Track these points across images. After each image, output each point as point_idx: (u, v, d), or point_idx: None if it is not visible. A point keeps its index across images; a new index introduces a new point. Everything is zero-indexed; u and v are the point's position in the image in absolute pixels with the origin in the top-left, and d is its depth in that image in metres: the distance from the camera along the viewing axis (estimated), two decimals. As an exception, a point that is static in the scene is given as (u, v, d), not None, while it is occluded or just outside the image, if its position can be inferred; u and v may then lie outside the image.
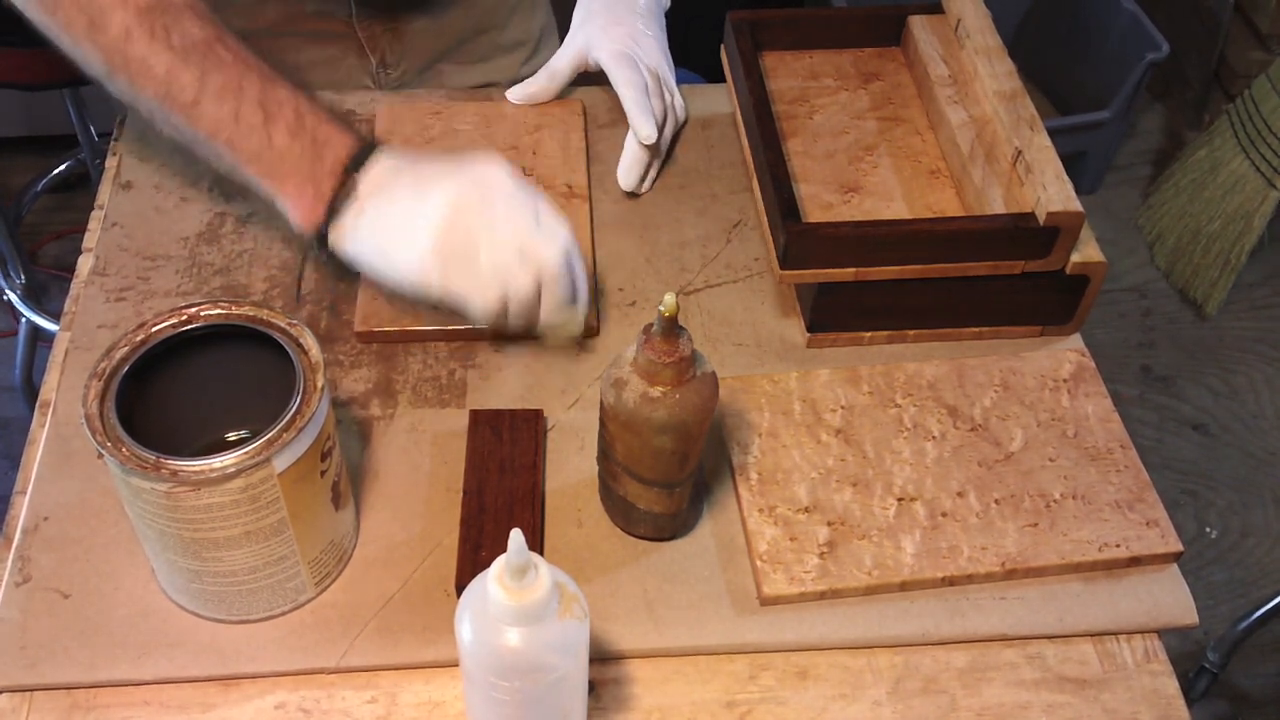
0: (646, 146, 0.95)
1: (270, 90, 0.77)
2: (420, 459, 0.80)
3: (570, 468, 0.80)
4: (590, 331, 0.87)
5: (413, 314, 0.86)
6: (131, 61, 0.76)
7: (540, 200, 0.79)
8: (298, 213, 0.78)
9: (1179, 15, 2.38)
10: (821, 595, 0.73)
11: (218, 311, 0.69)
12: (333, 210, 0.77)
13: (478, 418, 0.80)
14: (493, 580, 0.56)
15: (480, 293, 0.77)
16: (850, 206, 0.90)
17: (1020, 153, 0.84)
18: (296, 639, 0.71)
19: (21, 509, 0.76)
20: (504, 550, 0.55)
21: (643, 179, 0.96)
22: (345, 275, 0.84)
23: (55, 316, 1.77)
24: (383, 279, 0.79)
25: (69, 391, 0.82)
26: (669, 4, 1.06)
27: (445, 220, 0.76)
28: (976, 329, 0.88)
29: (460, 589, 0.71)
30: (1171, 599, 0.75)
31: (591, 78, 1.01)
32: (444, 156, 0.80)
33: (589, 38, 1.00)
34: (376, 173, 0.78)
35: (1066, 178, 0.82)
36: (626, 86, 0.95)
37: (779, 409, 0.81)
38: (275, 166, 0.77)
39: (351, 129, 0.79)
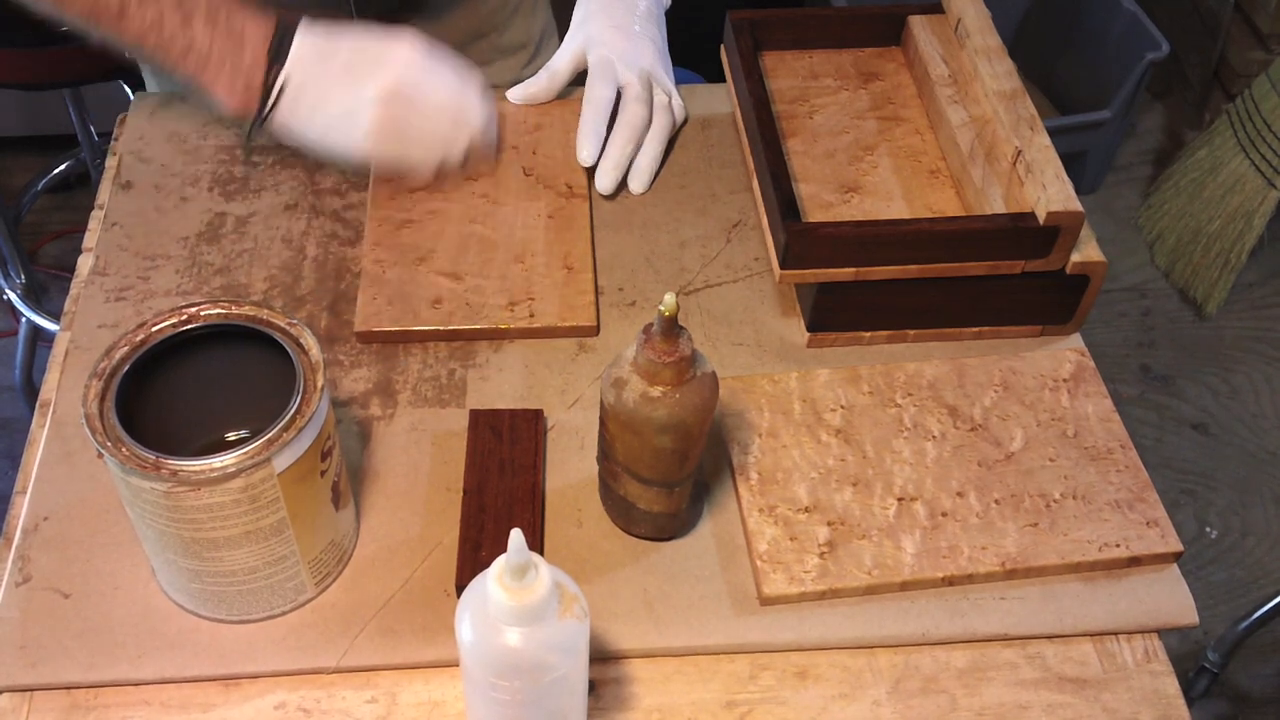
0: (625, 151, 0.96)
1: None
2: (420, 459, 0.80)
3: (570, 468, 0.80)
4: (590, 331, 0.87)
5: (413, 314, 0.86)
6: None
7: (455, 64, 0.87)
8: (233, 105, 0.84)
9: (1179, 15, 2.38)
10: (821, 595, 0.73)
11: (218, 311, 0.69)
12: (266, 99, 0.84)
13: (478, 418, 0.80)
14: (493, 580, 0.56)
15: (421, 159, 0.87)
16: (850, 206, 0.90)
17: (1020, 152, 0.84)
18: (296, 639, 0.71)
19: (21, 509, 0.76)
20: (504, 550, 0.55)
21: (620, 182, 0.96)
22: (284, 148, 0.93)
23: (55, 316, 1.77)
24: (326, 155, 0.86)
25: (69, 391, 0.82)
26: (669, 3, 1.06)
27: (382, 100, 0.83)
28: (976, 329, 0.88)
29: (460, 589, 0.71)
30: (1171, 599, 0.75)
31: (591, 77, 1.01)
32: (362, 33, 0.86)
33: (588, 37, 1.00)
34: (301, 58, 0.83)
35: (1066, 177, 0.82)
36: (588, 103, 0.97)
37: (779, 409, 0.81)
38: (203, 64, 0.83)
39: (264, 13, 0.84)
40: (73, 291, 0.89)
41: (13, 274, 1.84)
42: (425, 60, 0.86)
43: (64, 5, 0.82)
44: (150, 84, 1.15)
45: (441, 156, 0.88)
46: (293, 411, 0.64)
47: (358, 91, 0.83)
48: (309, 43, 0.84)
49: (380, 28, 0.86)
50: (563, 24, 1.05)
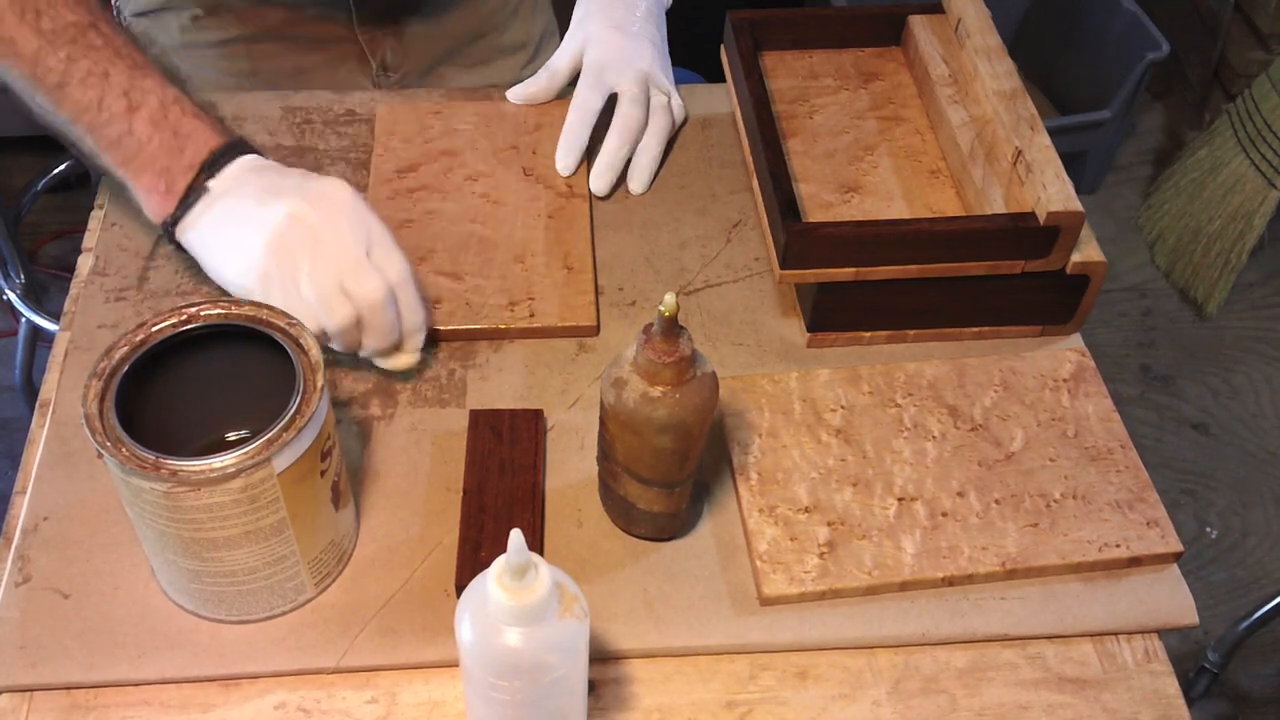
0: (619, 153, 0.95)
1: (137, 79, 0.79)
2: (420, 459, 0.80)
3: (570, 468, 0.80)
4: (590, 331, 0.87)
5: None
6: (1, 42, 0.77)
7: (380, 232, 0.78)
8: (150, 203, 0.80)
9: (1179, 15, 2.38)
10: (821, 595, 0.73)
11: (218, 311, 0.69)
12: (183, 204, 0.79)
13: (478, 418, 0.80)
14: (493, 580, 0.56)
15: (299, 317, 0.75)
16: (850, 206, 0.90)
17: (1020, 152, 0.84)
18: (296, 639, 0.71)
19: (21, 509, 0.76)
20: (504, 550, 0.55)
21: (615, 184, 0.96)
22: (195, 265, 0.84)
23: (55, 316, 1.77)
24: (215, 278, 0.81)
25: (69, 391, 0.82)
26: (670, 2, 1.06)
27: (274, 239, 0.76)
28: (976, 329, 0.88)
29: (460, 589, 0.71)
30: (1171, 599, 0.75)
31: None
32: (299, 172, 0.80)
33: (586, 37, 1.00)
34: (229, 176, 0.79)
35: (1066, 177, 0.82)
36: (573, 110, 0.97)
37: (779, 409, 0.81)
38: (133, 155, 0.79)
39: (220, 127, 0.81)
40: (72, 291, 0.89)
41: (12, 274, 1.83)
42: (348, 202, 0.77)
43: (5, 62, 0.78)
44: None
45: (318, 324, 0.77)
46: (293, 411, 0.64)
47: (265, 208, 0.77)
48: (247, 163, 0.80)
49: (318, 174, 0.79)
50: (564, 23, 1.05)
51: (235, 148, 0.80)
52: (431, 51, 1.11)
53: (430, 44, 1.11)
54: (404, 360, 0.82)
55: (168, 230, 0.81)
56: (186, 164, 0.79)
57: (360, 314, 0.77)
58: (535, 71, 1.02)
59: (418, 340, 0.81)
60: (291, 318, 0.69)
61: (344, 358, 0.83)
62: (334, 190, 0.78)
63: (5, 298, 1.83)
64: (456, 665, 0.70)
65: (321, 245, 0.76)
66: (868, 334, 0.88)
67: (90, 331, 0.86)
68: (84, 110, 0.78)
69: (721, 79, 1.03)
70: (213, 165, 0.79)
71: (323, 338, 0.78)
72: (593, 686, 0.70)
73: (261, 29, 1.07)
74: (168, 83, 0.80)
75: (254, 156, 0.81)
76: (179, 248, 0.82)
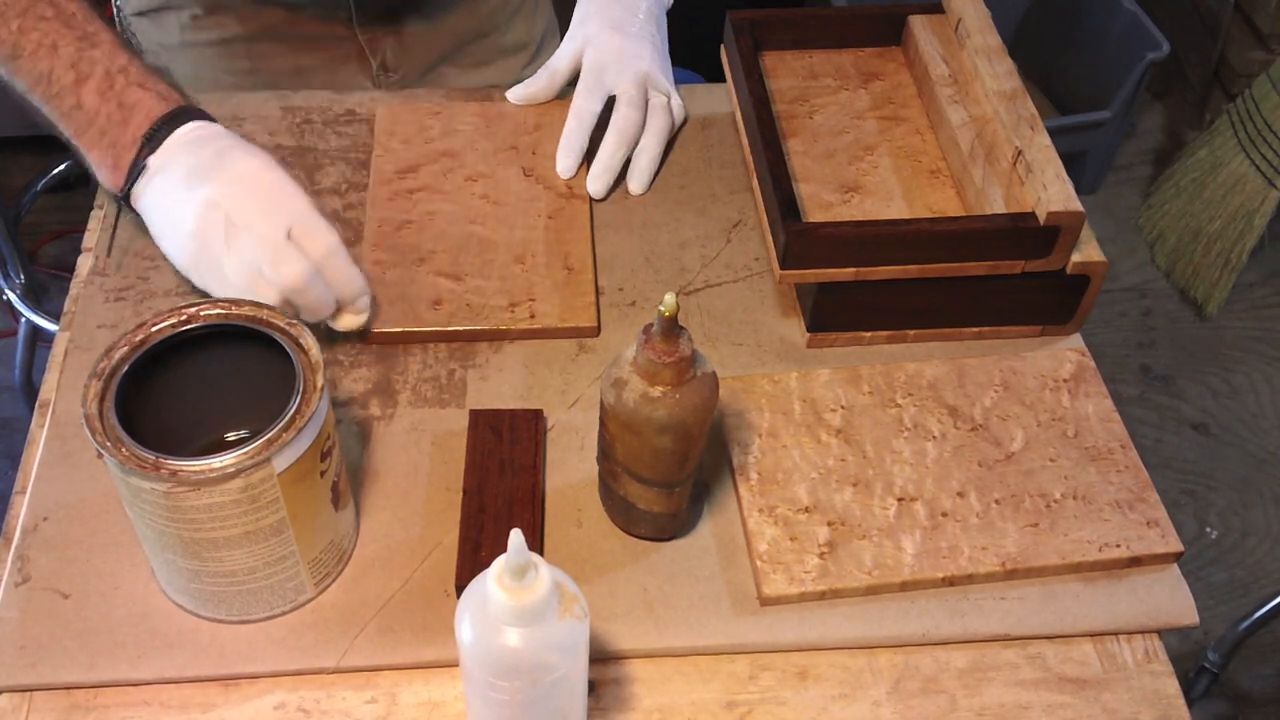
0: (616, 155, 0.95)
1: (85, 49, 0.79)
2: (420, 459, 0.80)
3: (570, 468, 0.80)
4: (590, 331, 0.87)
5: (413, 315, 0.86)
6: None
7: (302, 209, 0.78)
8: (103, 175, 0.81)
9: (1179, 15, 2.38)
10: (821, 595, 0.73)
11: (217, 311, 0.69)
12: (129, 181, 0.80)
13: (478, 418, 0.80)
14: (493, 580, 0.56)
15: (233, 283, 0.78)
16: (850, 206, 0.90)
17: (1020, 152, 0.84)
18: (296, 639, 0.71)
19: (21, 509, 0.76)
20: (504, 550, 0.55)
21: (611, 185, 0.96)
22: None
23: (55, 316, 1.77)
24: (166, 255, 0.82)
25: (69, 391, 0.82)
26: (670, 3, 1.06)
27: (196, 227, 0.77)
28: (977, 329, 0.88)
29: (460, 589, 0.71)
30: (1172, 599, 0.75)
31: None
32: (227, 143, 0.80)
33: (586, 37, 1.00)
34: (165, 152, 0.79)
35: (1067, 177, 0.82)
36: (572, 115, 0.97)
37: (779, 409, 0.81)
38: (84, 128, 0.80)
39: (165, 93, 0.80)
40: (72, 291, 0.89)
41: (12, 274, 1.83)
42: (267, 184, 0.78)
43: None
44: None
45: (255, 286, 0.77)
46: (292, 412, 0.64)
47: (189, 193, 0.77)
48: (184, 137, 0.79)
49: (245, 145, 0.80)
50: (565, 24, 1.05)
51: (177, 117, 0.80)
52: (432, 52, 1.11)
53: (430, 44, 1.11)
54: (347, 321, 0.83)
55: (122, 202, 0.82)
56: (130, 138, 0.79)
57: (288, 295, 0.78)
58: (536, 72, 1.02)
59: (361, 303, 0.83)
60: (292, 319, 0.69)
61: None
62: (253, 171, 0.78)
63: (5, 298, 1.83)
64: (456, 665, 0.70)
65: (236, 233, 0.77)
66: (868, 334, 0.88)
67: (90, 331, 0.86)
68: (37, 82, 0.79)
69: (721, 79, 1.03)
70: (152, 139, 0.79)
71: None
72: (593, 686, 0.70)
73: (261, 29, 1.07)
74: (118, 50, 0.80)
75: (193, 125, 0.80)
76: (138, 215, 0.83)
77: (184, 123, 0.80)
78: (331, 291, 0.80)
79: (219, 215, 0.77)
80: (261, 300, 0.75)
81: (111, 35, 0.81)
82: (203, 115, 0.81)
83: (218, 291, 0.79)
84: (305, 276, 0.78)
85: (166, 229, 0.80)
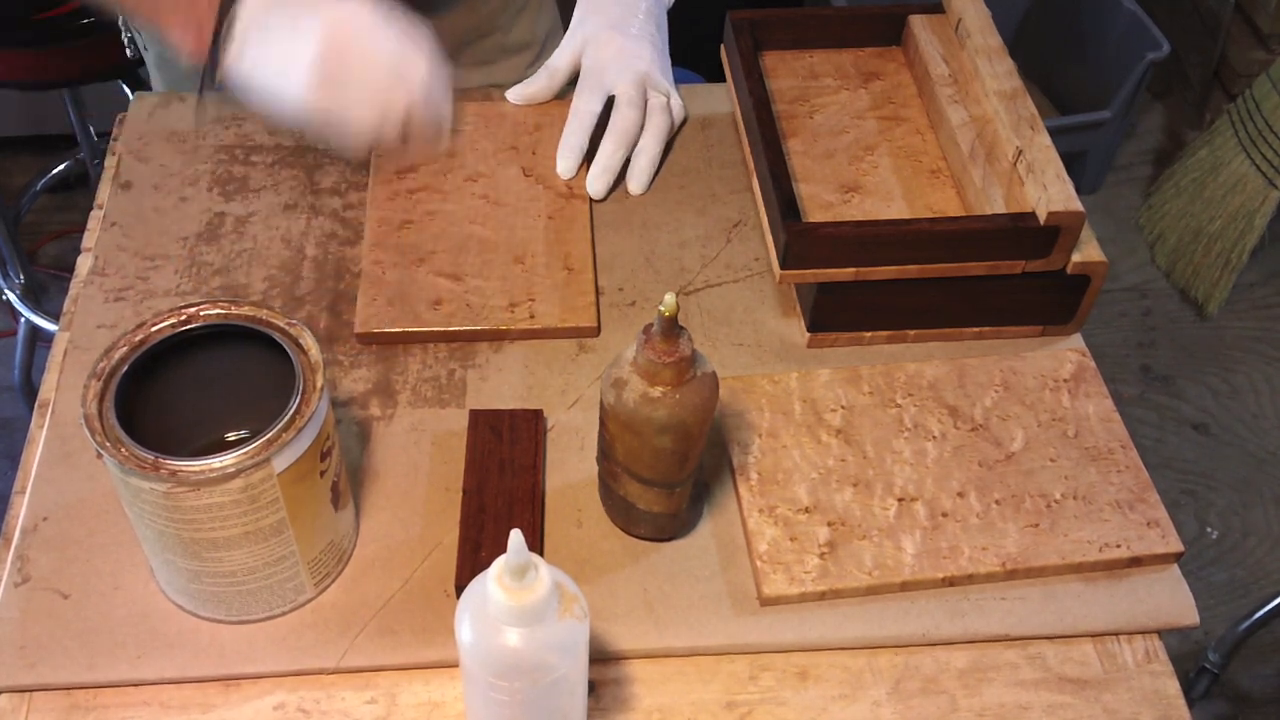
0: (615, 156, 0.95)
1: None
2: (420, 459, 0.80)
3: (570, 468, 0.80)
4: (590, 331, 0.87)
5: (413, 315, 0.86)
6: None
7: (404, 27, 0.82)
8: (185, 49, 0.82)
9: (1179, 14, 2.38)
10: (822, 595, 0.73)
11: (217, 311, 0.69)
12: (216, 45, 0.81)
13: (478, 418, 0.79)
14: (493, 580, 0.56)
15: (358, 113, 0.80)
16: (850, 206, 0.90)
17: (1021, 152, 0.84)
18: (296, 639, 0.71)
19: (21, 509, 0.76)
20: (504, 550, 0.55)
21: (611, 186, 0.96)
22: (242, 105, 0.86)
23: (54, 316, 1.77)
24: (269, 106, 0.82)
25: (68, 391, 0.82)
26: (671, 2, 1.06)
27: (320, 47, 0.79)
28: (977, 329, 0.88)
29: (460, 589, 0.71)
30: (1172, 599, 0.75)
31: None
32: None
33: (585, 37, 1.00)
34: (250, 8, 0.80)
35: (1067, 177, 0.82)
36: (572, 115, 0.97)
37: (779, 409, 0.81)
38: (158, 7, 0.82)
39: None
40: (72, 291, 0.89)
41: (12, 274, 1.84)
42: (369, 14, 0.82)
43: None
44: (152, 84, 1.15)
45: (380, 115, 0.81)
46: (292, 412, 0.64)
47: (297, 38, 0.80)
48: None
49: None
50: (568, 23, 1.05)
51: None
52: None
53: (434, 43, 1.11)
54: (444, 143, 0.85)
55: (211, 74, 0.83)
56: (207, 5, 0.81)
57: (413, 102, 0.81)
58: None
59: (449, 121, 0.85)
60: (292, 318, 0.69)
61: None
62: (353, 9, 0.81)
63: (5, 298, 1.83)
64: (456, 665, 0.70)
65: (366, 45, 0.80)
66: (868, 334, 0.88)
67: (90, 331, 0.86)
68: None
69: (721, 79, 1.03)
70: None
71: (377, 129, 0.81)
72: (593, 686, 0.70)
73: (264, 25, 1.07)
74: None
75: None
76: (225, 90, 0.84)
77: None
78: (439, 102, 0.83)
79: (344, 33, 0.79)
80: (390, 108, 0.80)
81: None
82: None
83: (344, 114, 0.80)
84: (430, 78, 0.81)
85: (279, 70, 0.81)
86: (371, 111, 0.81)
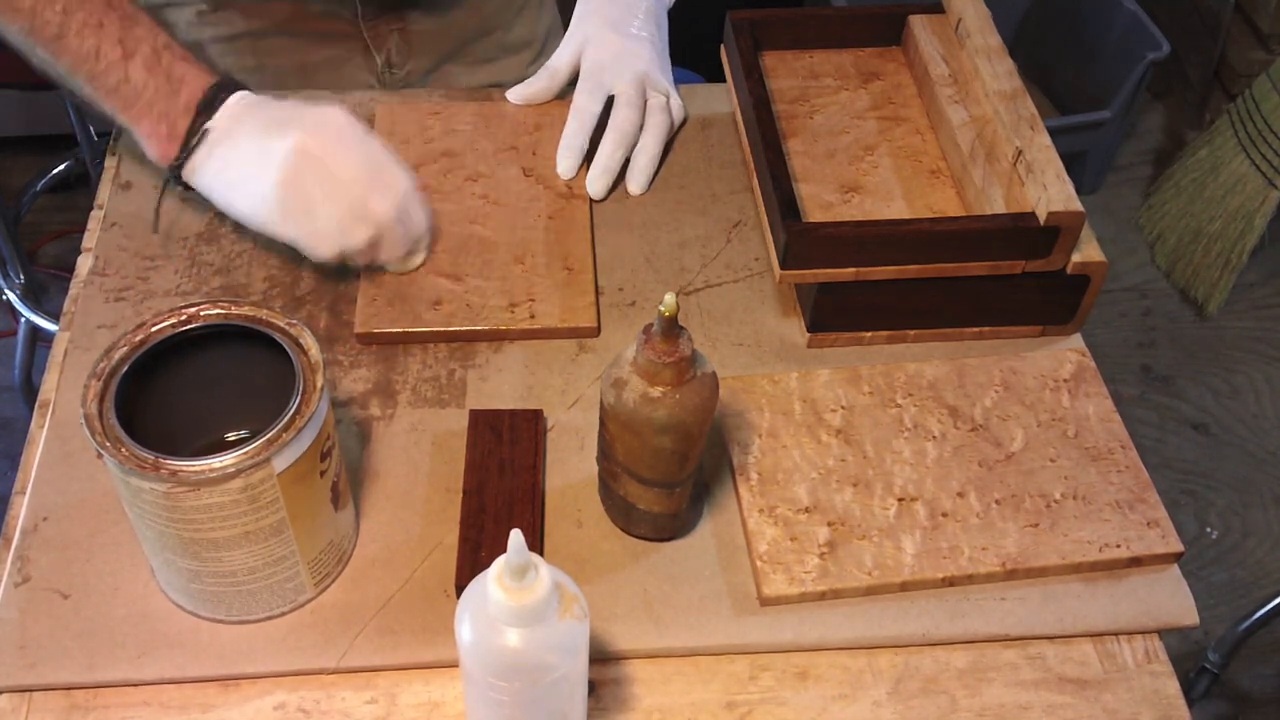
0: (615, 156, 0.96)
1: (130, 28, 0.82)
2: (420, 459, 0.80)
3: (570, 468, 0.80)
4: (590, 331, 0.87)
5: (413, 315, 0.86)
6: None
7: (380, 151, 0.84)
8: (153, 147, 0.84)
9: (1179, 15, 2.38)
10: (822, 596, 0.73)
11: (217, 311, 0.69)
12: (185, 147, 0.83)
13: (478, 418, 0.79)
14: (493, 580, 0.56)
15: (317, 244, 0.82)
16: (850, 206, 0.90)
17: (1021, 152, 0.84)
18: (296, 639, 0.71)
19: (21, 509, 0.76)
20: (504, 550, 0.55)
21: (611, 186, 0.96)
22: (203, 205, 0.89)
23: (55, 316, 1.77)
24: (230, 215, 0.85)
25: (68, 391, 0.82)
26: (671, 2, 1.06)
27: (285, 171, 0.80)
28: (977, 329, 0.88)
29: (460, 589, 0.71)
30: (1172, 599, 0.75)
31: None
32: (292, 104, 0.84)
33: (585, 37, 1.00)
34: (228, 113, 0.83)
35: (1067, 177, 0.82)
36: (573, 115, 0.97)
37: (779, 409, 0.81)
38: (132, 101, 0.83)
39: (209, 67, 0.84)
40: (72, 291, 0.89)
41: (12, 274, 1.83)
42: (347, 128, 0.82)
43: (4, 17, 0.82)
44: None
45: (337, 248, 0.82)
46: (292, 412, 0.64)
47: (270, 144, 0.81)
48: (242, 100, 0.83)
49: (311, 103, 0.84)
50: (569, 21, 1.05)
51: (227, 86, 0.84)
52: (437, 49, 1.11)
53: (435, 41, 1.11)
54: (415, 261, 0.88)
55: (175, 173, 0.85)
56: (183, 106, 0.82)
57: (378, 233, 0.83)
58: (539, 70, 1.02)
59: (425, 241, 0.88)
60: (292, 318, 0.69)
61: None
62: (333, 118, 0.82)
63: (5, 298, 1.83)
64: (456, 665, 0.70)
65: (332, 175, 0.81)
66: (868, 334, 0.88)
67: (90, 331, 0.86)
68: (82, 60, 0.82)
69: (721, 79, 1.03)
70: (209, 105, 0.83)
71: (338, 259, 0.84)
72: (593, 687, 0.70)
73: (267, 24, 1.07)
74: (158, 30, 0.84)
75: (246, 93, 0.84)
76: (187, 188, 0.86)
77: (232, 92, 0.83)
78: (409, 230, 0.85)
79: (311, 160, 0.80)
80: (350, 240, 0.82)
81: (148, 16, 0.84)
82: (245, 87, 0.85)
83: (303, 239, 0.82)
84: (396, 212, 0.83)
85: (244, 185, 0.82)
86: (329, 246, 0.82)
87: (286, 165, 0.80)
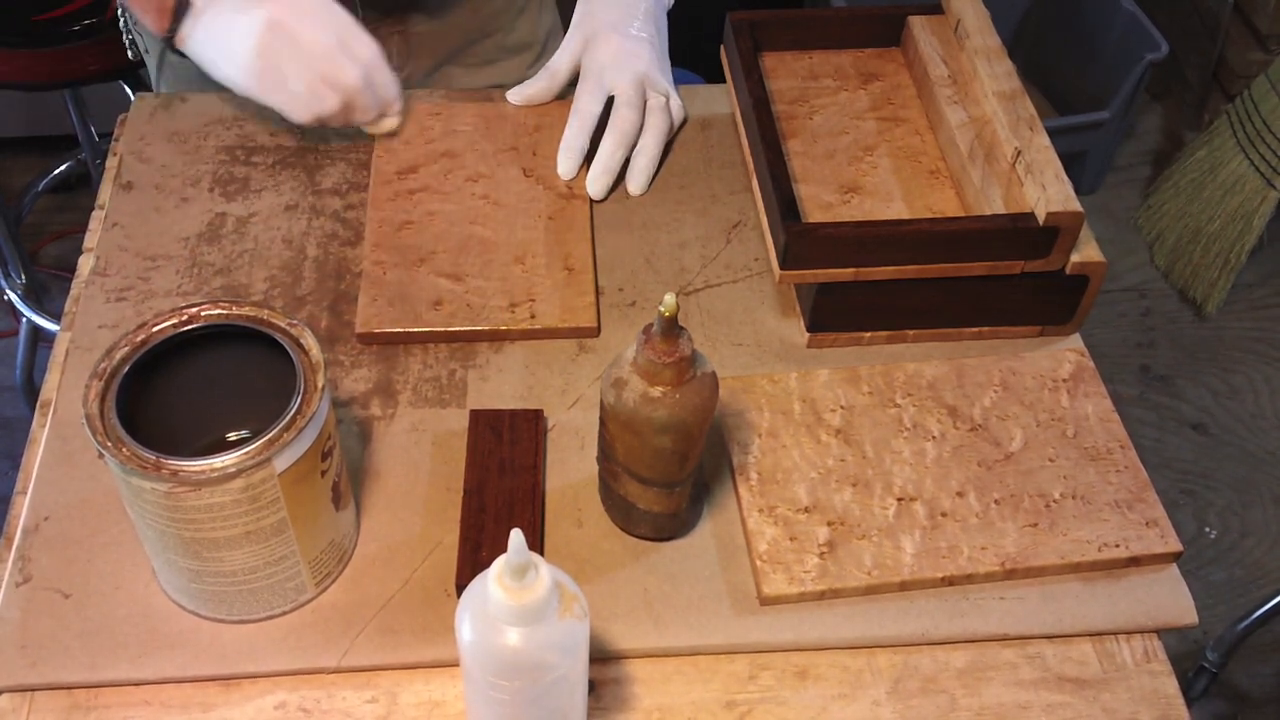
0: (615, 156, 0.96)
1: None
2: (420, 459, 0.80)
3: (570, 468, 0.80)
4: (590, 332, 0.87)
5: (413, 316, 0.86)
6: None
7: (345, 22, 0.89)
8: (149, 23, 0.89)
9: (1178, 15, 2.38)
10: (821, 595, 0.73)
11: (218, 311, 0.69)
12: (175, 21, 0.88)
13: (478, 418, 0.80)
14: (493, 580, 0.56)
15: (293, 109, 0.89)
16: (850, 206, 0.90)
17: (1020, 153, 0.84)
18: (296, 639, 0.71)
19: (22, 509, 0.76)
20: (504, 550, 0.55)
21: (611, 186, 0.96)
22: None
23: (56, 316, 1.78)
24: (219, 81, 0.90)
25: (70, 391, 0.82)
26: (670, 3, 1.06)
27: (258, 46, 0.86)
28: (976, 329, 0.88)
29: (460, 589, 0.71)
30: (1171, 599, 0.75)
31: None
32: None
33: (585, 38, 1.00)
34: None
35: (1066, 178, 0.82)
36: (574, 115, 0.98)
37: (779, 409, 0.82)
38: None
39: None
40: (73, 292, 0.89)
41: (13, 274, 1.84)
42: (311, 3, 0.88)
43: None
44: (153, 85, 1.15)
45: (313, 112, 0.89)
46: (293, 412, 0.64)
47: (245, 17, 0.86)
48: None
49: None
50: (569, 23, 1.05)
51: None
52: (438, 50, 1.12)
53: (436, 43, 1.11)
54: (389, 124, 0.96)
55: (169, 43, 0.89)
56: None
57: (348, 99, 0.90)
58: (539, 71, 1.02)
59: (398, 106, 0.95)
60: (292, 318, 0.69)
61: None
62: None
63: (6, 298, 1.83)
64: (456, 665, 0.71)
65: (301, 45, 0.87)
66: (867, 334, 0.88)
67: (91, 331, 0.86)
68: None
69: (721, 79, 1.03)
70: None
71: (316, 122, 0.91)
72: (593, 686, 0.70)
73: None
74: None
75: None
76: (182, 55, 0.91)
77: None
78: (378, 95, 0.91)
79: (282, 30, 0.86)
80: (323, 105, 0.88)
81: None
82: None
83: (280, 105, 0.89)
84: (363, 78, 0.89)
85: (226, 53, 0.88)
86: (305, 111, 0.88)
87: (259, 38, 0.86)
